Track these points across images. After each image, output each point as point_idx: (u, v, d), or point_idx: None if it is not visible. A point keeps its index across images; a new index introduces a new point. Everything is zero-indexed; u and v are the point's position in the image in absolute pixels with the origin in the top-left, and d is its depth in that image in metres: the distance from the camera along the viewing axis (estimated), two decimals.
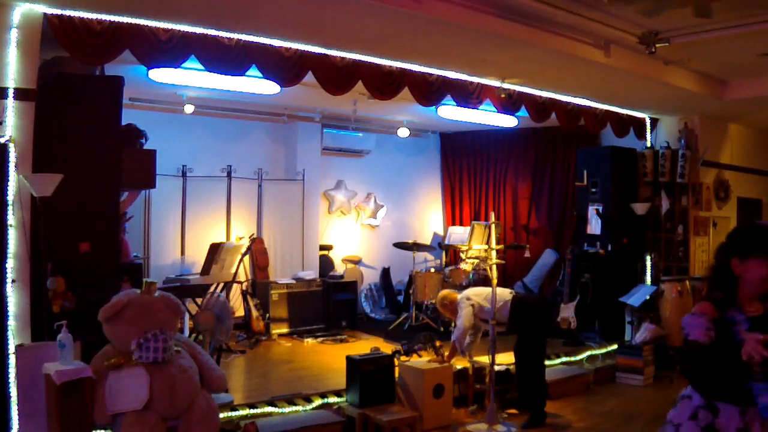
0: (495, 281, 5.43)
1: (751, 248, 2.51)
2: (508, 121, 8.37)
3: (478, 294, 5.70)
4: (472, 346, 5.90)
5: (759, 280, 2.48)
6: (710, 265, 2.69)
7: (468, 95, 6.33)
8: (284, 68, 5.22)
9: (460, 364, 5.89)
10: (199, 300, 6.29)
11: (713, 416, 2.50)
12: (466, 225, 9.71)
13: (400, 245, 8.98)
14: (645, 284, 7.71)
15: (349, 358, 5.31)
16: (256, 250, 8.16)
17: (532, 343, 5.52)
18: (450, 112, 7.60)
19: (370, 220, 9.82)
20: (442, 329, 7.92)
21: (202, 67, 5.01)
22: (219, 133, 8.40)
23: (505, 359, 5.88)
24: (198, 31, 4.78)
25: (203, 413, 3.92)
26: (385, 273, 9.69)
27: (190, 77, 5.90)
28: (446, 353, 5.63)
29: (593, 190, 8.10)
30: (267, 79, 5.35)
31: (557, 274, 8.87)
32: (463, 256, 8.87)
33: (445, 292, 6.03)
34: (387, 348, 5.83)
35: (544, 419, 5.40)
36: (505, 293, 5.62)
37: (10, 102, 4.16)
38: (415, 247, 8.81)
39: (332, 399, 5.35)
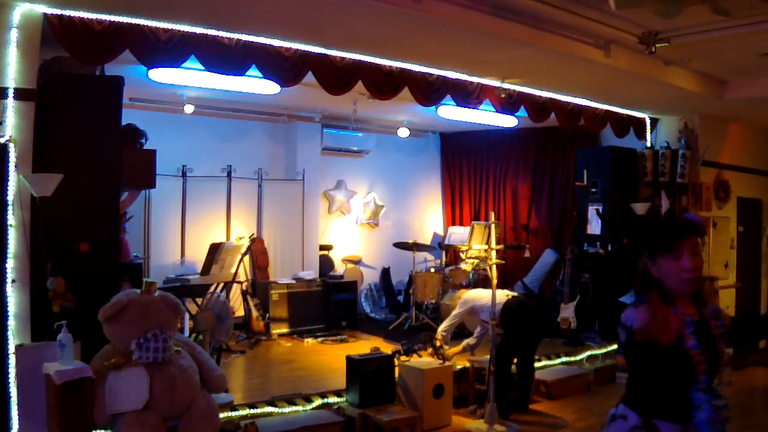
0: (495, 281, 5.45)
1: (657, 248, 2.40)
2: (508, 121, 8.36)
3: (479, 297, 5.89)
4: (477, 349, 6.03)
5: (673, 276, 2.34)
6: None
7: (468, 95, 6.34)
8: (284, 68, 5.22)
9: (460, 364, 5.89)
10: (199, 300, 6.30)
11: None
12: (466, 225, 9.71)
13: (400, 245, 8.97)
14: None
15: (349, 358, 5.31)
16: (256, 250, 8.16)
17: (512, 344, 5.63)
18: (450, 112, 7.60)
19: (370, 220, 9.82)
20: None
21: (202, 67, 5.02)
22: (219, 133, 8.40)
23: None
24: (198, 31, 4.78)
25: (203, 413, 3.92)
26: (385, 273, 9.68)
27: (190, 77, 5.89)
28: (447, 353, 5.67)
29: (593, 190, 8.10)
30: (267, 79, 5.36)
31: (557, 274, 8.86)
32: (463, 256, 8.87)
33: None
34: (387, 348, 5.83)
35: (511, 407, 5.52)
36: (501, 296, 5.70)
37: (10, 102, 4.16)
38: (415, 247, 8.80)
39: (332, 399, 5.35)
